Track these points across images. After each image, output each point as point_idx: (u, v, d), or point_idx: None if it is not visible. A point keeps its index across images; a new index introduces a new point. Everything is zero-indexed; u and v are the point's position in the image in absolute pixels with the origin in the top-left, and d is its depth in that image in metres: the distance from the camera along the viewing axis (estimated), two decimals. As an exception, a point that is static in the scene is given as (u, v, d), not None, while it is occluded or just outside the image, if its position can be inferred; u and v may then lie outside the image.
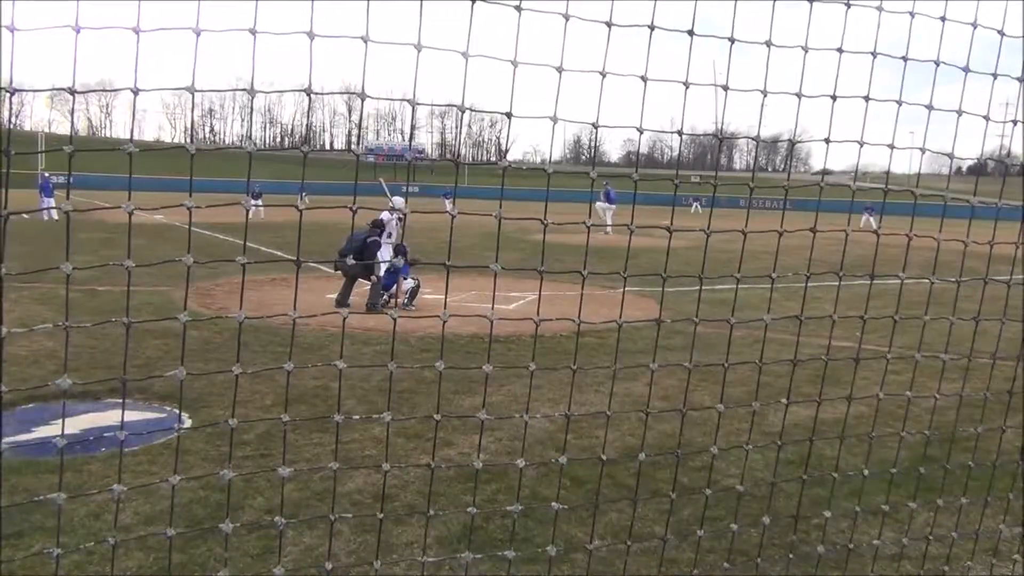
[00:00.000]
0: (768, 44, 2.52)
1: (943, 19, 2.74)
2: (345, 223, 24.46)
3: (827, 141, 2.78)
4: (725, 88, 2.52)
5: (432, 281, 14.78)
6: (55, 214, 26.16)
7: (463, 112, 2.19)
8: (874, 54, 2.68)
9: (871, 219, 34.97)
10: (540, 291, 2.49)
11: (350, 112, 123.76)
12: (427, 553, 4.46)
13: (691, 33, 2.40)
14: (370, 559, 4.34)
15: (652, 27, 2.31)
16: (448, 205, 43.28)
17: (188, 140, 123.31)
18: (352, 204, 2.12)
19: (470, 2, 2.05)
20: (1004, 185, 3.11)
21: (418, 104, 2.14)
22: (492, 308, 2.37)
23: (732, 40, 2.45)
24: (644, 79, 2.32)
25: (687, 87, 2.46)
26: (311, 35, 1.96)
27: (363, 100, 2.08)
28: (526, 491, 5.39)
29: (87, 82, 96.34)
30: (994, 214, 3.07)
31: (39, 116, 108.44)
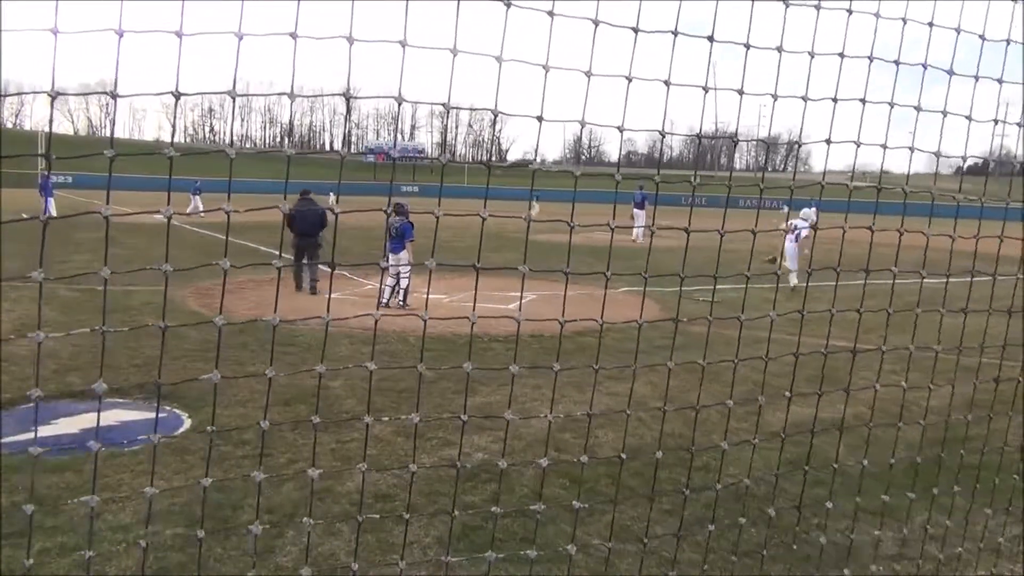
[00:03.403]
0: (774, 48, 2.52)
1: (957, 29, 2.74)
2: (348, 224, 24.38)
3: (797, 144, 2.78)
4: (705, 89, 2.52)
5: (432, 282, 14.77)
6: (54, 212, 26.12)
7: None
8: (871, 58, 2.68)
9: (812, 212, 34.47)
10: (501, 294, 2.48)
11: (349, 112, 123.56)
12: (428, 553, 4.46)
13: (674, 33, 2.39)
14: (371, 558, 4.34)
15: (638, 30, 2.31)
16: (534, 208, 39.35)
17: (188, 140, 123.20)
18: (283, 203, 2.17)
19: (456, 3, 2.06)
20: (987, 184, 3.11)
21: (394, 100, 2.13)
22: (425, 312, 2.36)
23: (710, 41, 2.45)
24: (628, 78, 2.32)
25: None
26: (239, 35, 1.94)
27: (292, 100, 2.09)
28: (525, 490, 5.39)
29: (87, 82, 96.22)
30: (1000, 215, 3.07)
31: (39, 116, 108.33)
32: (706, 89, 2.45)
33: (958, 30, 2.80)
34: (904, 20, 2.69)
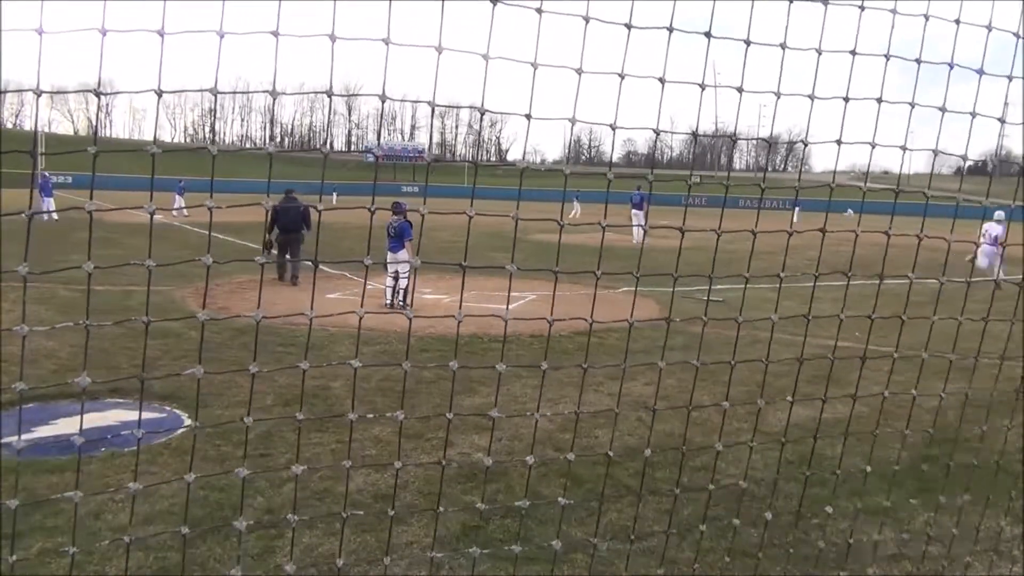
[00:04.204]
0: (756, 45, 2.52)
1: (957, 22, 2.74)
2: (348, 223, 24.37)
3: (804, 143, 2.78)
4: (702, 86, 2.52)
5: (432, 282, 14.78)
6: (55, 215, 26.09)
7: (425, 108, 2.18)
8: (884, 56, 2.68)
9: (797, 213, 35.61)
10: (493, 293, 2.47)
11: (350, 112, 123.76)
12: (427, 553, 4.46)
13: (669, 29, 2.39)
14: (370, 558, 4.34)
15: (630, 27, 2.31)
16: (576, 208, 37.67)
17: (188, 139, 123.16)
18: (266, 201, 2.17)
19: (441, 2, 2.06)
20: (962, 182, 3.11)
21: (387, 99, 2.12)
22: (410, 311, 2.36)
23: (708, 37, 2.45)
24: (622, 76, 2.31)
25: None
26: (220, 33, 1.93)
27: (274, 98, 2.09)
28: (526, 490, 5.39)
29: (87, 81, 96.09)
30: (996, 213, 3.07)
31: (39, 116, 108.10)
32: (703, 86, 2.44)
33: (956, 22, 2.80)
34: (926, 17, 2.68)
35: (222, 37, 1.94)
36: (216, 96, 2.03)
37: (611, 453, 2.71)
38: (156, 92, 1.94)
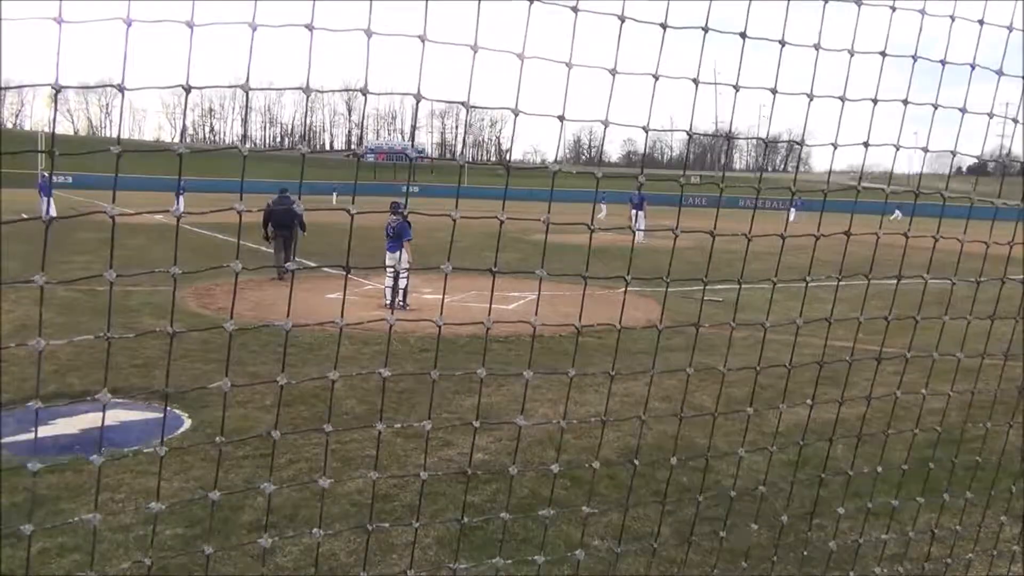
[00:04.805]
0: (776, 42, 2.52)
1: (952, 18, 2.73)
2: (336, 222, 24.43)
3: (801, 143, 2.78)
4: (736, 88, 2.52)
5: (432, 281, 14.77)
6: (54, 212, 26.03)
7: (468, 110, 2.16)
8: (881, 54, 2.67)
9: (793, 212, 36.77)
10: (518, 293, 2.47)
11: (350, 112, 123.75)
12: (427, 553, 4.46)
13: (704, 29, 2.39)
14: (370, 559, 4.33)
15: (665, 26, 2.30)
16: (602, 209, 37.32)
17: (185, 139, 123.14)
18: (298, 204, 2.13)
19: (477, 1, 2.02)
20: (1003, 184, 3.11)
21: (423, 98, 2.09)
22: (440, 318, 2.36)
23: (743, 37, 2.44)
24: (656, 77, 2.28)
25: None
26: (252, 25, 1.87)
27: (308, 96, 2.07)
28: (526, 491, 5.39)
29: (87, 81, 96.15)
30: (992, 213, 3.07)
31: (39, 116, 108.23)
32: (737, 88, 2.41)
33: (949, 18, 2.79)
34: (933, 15, 2.68)
35: (255, 30, 1.87)
36: (248, 93, 1.99)
37: (636, 462, 2.71)
38: (184, 88, 1.90)
